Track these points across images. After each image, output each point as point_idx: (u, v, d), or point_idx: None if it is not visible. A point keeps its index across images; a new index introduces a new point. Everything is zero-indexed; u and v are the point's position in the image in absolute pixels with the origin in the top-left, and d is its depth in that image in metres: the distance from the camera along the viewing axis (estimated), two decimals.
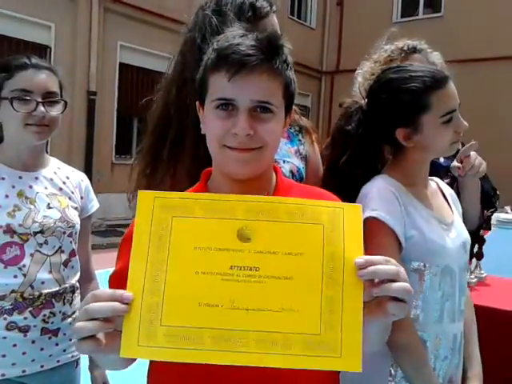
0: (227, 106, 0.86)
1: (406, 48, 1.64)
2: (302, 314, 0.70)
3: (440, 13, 12.57)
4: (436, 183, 1.36)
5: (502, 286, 2.61)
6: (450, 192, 1.38)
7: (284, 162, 1.33)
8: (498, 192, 1.89)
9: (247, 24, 1.02)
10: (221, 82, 0.85)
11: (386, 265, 0.72)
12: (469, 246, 1.30)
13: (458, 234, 1.28)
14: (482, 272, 2.67)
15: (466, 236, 1.30)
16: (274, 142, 0.89)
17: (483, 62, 11.32)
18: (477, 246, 2.61)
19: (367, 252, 1.14)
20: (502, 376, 2.08)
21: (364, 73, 1.67)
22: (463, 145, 1.86)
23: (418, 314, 1.19)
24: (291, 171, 1.32)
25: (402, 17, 13.22)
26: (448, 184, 1.78)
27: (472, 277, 2.58)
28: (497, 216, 4.44)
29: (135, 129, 9.38)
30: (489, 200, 1.78)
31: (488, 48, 11.27)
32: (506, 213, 5.09)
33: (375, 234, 1.12)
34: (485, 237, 2.69)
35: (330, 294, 0.71)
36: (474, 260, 2.60)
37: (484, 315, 2.24)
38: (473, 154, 1.43)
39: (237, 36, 0.87)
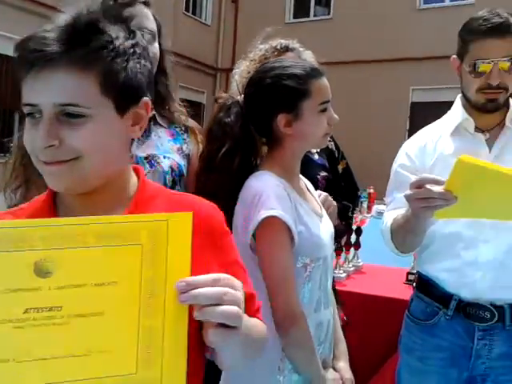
0: (33, 112, 0.73)
1: (279, 47, 1.70)
2: (115, 353, 0.62)
3: (329, 15, 13.19)
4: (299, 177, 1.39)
5: (377, 272, 2.80)
6: (310, 186, 1.41)
7: (165, 157, 1.32)
8: (359, 193, 2.02)
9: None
10: (25, 84, 0.73)
11: (211, 287, 0.64)
12: (333, 235, 1.36)
13: (328, 225, 1.33)
14: (359, 261, 2.84)
15: (331, 226, 1.36)
16: (94, 151, 0.74)
17: (367, 63, 12.07)
18: (354, 236, 2.77)
19: (261, 254, 1.15)
20: (373, 358, 2.23)
21: (241, 72, 1.69)
22: (334, 141, 1.96)
23: (304, 307, 1.21)
24: (171, 167, 1.31)
25: (294, 18, 13.68)
26: (323, 178, 1.86)
27: (350, 265, 2.72)
28: (376, 208, 4.73)
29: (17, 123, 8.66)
30: (345, 214, 1.88)
31: (370, 50, 12.03)
32: (385, 204, 5.42)
33: (275, 233, 1.14)
34: (362, 227, 2.87)
35: (149, 324, 0.63)
36: (352, 249, 2.76)
37: (360, 301, 2.39)
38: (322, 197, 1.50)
39: (44, 28, 0.72)
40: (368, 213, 5.93)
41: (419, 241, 1.44)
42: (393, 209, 1.52)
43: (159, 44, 1.38)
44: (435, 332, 1.49)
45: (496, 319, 1.42)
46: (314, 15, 13.62)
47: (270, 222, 1.13)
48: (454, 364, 1.47)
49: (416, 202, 1.17)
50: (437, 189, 1.13)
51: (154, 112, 1.37)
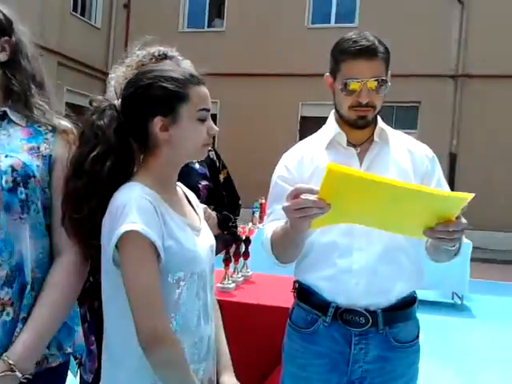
0: None
1: (157, 54, 1.67)
2: None
3: (223, 27, 13.36)
4: (180, 188, 1.35)
5: (265, 281, 2.84)
6: (192, 196, 1.39)
7: (6, 156, 1.21)
8: (240, 202, 2.06)
9: None
10: None
11: None
12: (214, 248, 1.35)
13: (206, 238, 1.30)
14: (248, 270, 2.87)
15: (212, 239, 1.34)
16: None
17: (261, 76, 12.39)
18: (243, 246, 2.80)
19: (122, 270, 1.09)
20: (262, 368, 2.25)
21: (117, 77, 1.64)
22: (215, 150, 1.97)
23: (179, 325, 1.18)
24: (12, 166, 1.21)
25: (188, 27, 13.66)
26: (205, 188, 1.85)
27: (239, 275, 2.74)
28: None
29: None
30: (226, 224, 1.90)
31: (262, 64, 12.37)
32: None
33: (136, 249, 1.10)
34: (250, 237, 2.91)
35: None
36: (241, 259, 2.78)
37: (248, 311, 2.41)
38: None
39: None
40: (260, 222, 6.06)
41: (299, 251, 1.48)
42: (272, 220, 1.55)
43: (8, 37, 1.28)
44: (315, 339, 1.53)
45: (370, 324, 1.49)
46: (208, 26, 13.71)
47: (131, 236, 1.09)
48: (333, 370, 1.52)
49: (293, 212, 1.21)
50: (311, 197, 1.17)
51: (3, 109, 1.27)
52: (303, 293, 1.59)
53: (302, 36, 12.60)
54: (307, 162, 1.57)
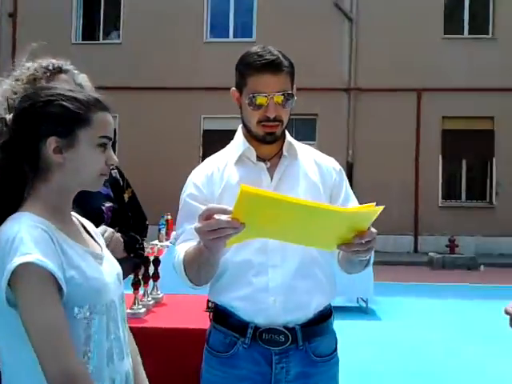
0: None
1: (51, 67, 1.54)
2: None
3: (119, 39, 12.98)
4: (76, 218, 1.26)
5: (178, 303, 2.72)
6: (89, 225, 1.29)
7: None
8: (147, 222, 1.97)
9: None
10: None
11: None
12: (122, 277, 1.26)
13: (112, 266, 1.22)
14: (159, 292, 2.73)
15: (118, 266, 1.25)
16: None
17: (160, 90, 12.18)
18: (152, 267, 2.66)
19: (20, 309, 0.96)
20: None
21: (4, 91, 1.47)
22: (118, 169, 1.86)
23: (91, 362, 1.08)
24: None
25: (83, 39, 13.13)
26: (109, 210, 1.73)
27: (149, 299, 2.60)
28: (175, 234, 4.72)
29: None
30: (133, 246, 1.82)
31: (162, 77, 12.19)
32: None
33: (33, 283, 0.98)
34: (160, 257, 2.78)
35: None
36: (150, 281, 2.64)
37: (162, 336, 2.28)
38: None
39: None
40: (167, 239, 5.90)
41: (214, 271, 1.43)
42: (184, 241, 1.49)
43: None
44: (235, 363, 1.48)
45: (290, 341, 1.47)
46: (104, 38, 13.26)
47: (26, 269, 0.98)
48: None
49: (206, 234, 1.15)
50: (224, 218, 1.12)
51: None
52: (219, 315, 1.54)
53: (201, 50, 12.64)
54: (217, 179, 1.54)
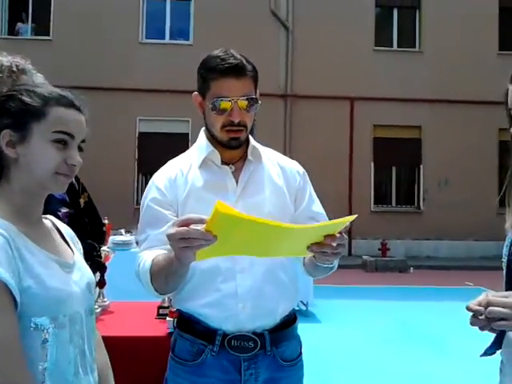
0: None
1: (15, 69, 1.40)
2: None
3: (49, 36, 12.40)
4: (51, 221, 1.21)
5: (126, 310, 2.61)
6: (67, 230, 1.24)
7: None
8: (104, 228, 1.88)
9: None
10: None
11: None
12: (93, 286, 1.19)
13: (82, 275, 1.15)
14: (105, 300, 2.60)
15: (90, 275, 1.19)
16: None
17: (94, 90, 11.74)
18: (98, 274, 2.52)
19: None
20: None
21: None
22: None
23: (48, 376, 1.01)
24: None
25: (8, 34, 12.42)
26: (65, 216, 1.61)
27: (96, 307, 2.46)
28: (112, 239, 4.55)
29: None
30: (91, 254, 1.78)
31: (95, 77, 11.77)
32: (121, 235, 5.31)
33: None
34: (106, 264, 2.64)
35: None
36: (96, 289, 2.50)
37: (111, 345, 2.16)
38: None
39: None
40: (105, 244, 5.67)
41: (181, 282, 1.38)
42: (148, 247, 1.44)
43: None
44: (203, 371, 1.44)
45: (259, 347, 1.44)
46: (32, 33, 12.61)
47: None
48: None
49: (178, 242, 1.11)
50: (198, 228, 1.09)
51: None
52: (185, 322, 1.49)
53: (136, 50, 12.37)
54: (181, 182, 1.49)
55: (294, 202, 1.56)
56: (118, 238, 4.92)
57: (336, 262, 1.46)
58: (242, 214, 1.13)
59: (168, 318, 2.28)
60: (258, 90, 1.50)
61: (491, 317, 1.03)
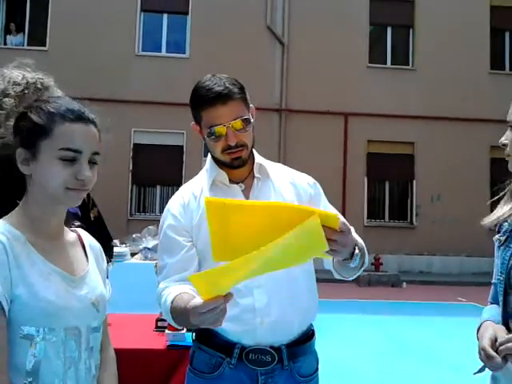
0: None
1: (40, 86, 1.45)
2: None
3: (45, 47, 12.43)
4: (78, 235, 1.24)
5: (124, 322, 2.60)
6: (93, 246, 1.26)
7: None
8: (112, 243, 1.89)
9: None
10: None
11: None
12: (103, 303, 1.19)
13: (90, 291, 1.16)
14: None
15: (100, 293, 1.19)
16: None
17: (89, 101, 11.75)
18: None
19: None
20: None
21: None
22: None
23: None
24: None
25: (4, 44, 12.46)
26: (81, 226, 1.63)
27: None
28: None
29: None
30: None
31: (92, 88, 11.80)
32: (116, 246, 5.31)
33: None
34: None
35: None
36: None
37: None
38: None
39: None
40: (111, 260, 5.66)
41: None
42: (167, 277, 1.48)
43: None
44: (221, 383, 1.46)
45: (276, 361, 1.46)
46: (28, 44, 12.64)
47: None
48: None
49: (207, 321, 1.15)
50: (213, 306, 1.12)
51: None
52: (204, 335, 1.51)
53: (132, 62, 12.43)
54: (193, 206, 1.53)
55: None
56: (117, 249, 4.92)
57: (366, 261, 1.45)
58: (232, 200, 1.19)
59: (167, 331, 2.29)
60: (250, 106, 1.55)
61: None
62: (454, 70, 12.78)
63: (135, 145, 12.18)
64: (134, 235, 5.20)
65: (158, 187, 12.40)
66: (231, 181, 1.55)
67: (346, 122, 12.72)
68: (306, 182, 1.64)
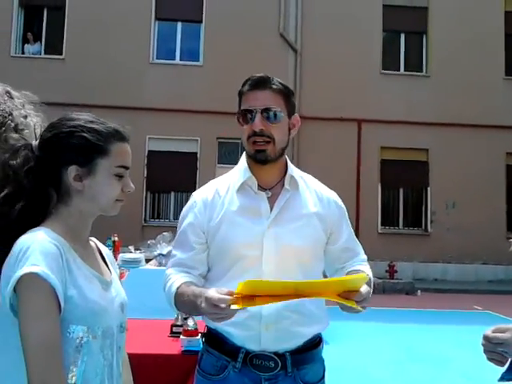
0: None
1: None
2: None
3: (62, 55, 12.62)
4: (94, 243, 1.34)
5: (139, 327, 2.62)
6: (107, 252, 1.36)
7: None
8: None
9: None
10: None
11: None
12: (126, 306, 1.29)
13: (117, 295, 1.26)
14: None
15: (124, 296, 1.30)
16: None
17: (105, 108, 11.94)
18: None
19: (19, 316, 1.03)
20: None
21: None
22: None
23: (76, 382, 1.10)
24: None
25: (22, 53, 12.68)
26: None
27: None
28: (121, 256, 4.63)
29: None
30: None
31: (107, 96, 11.95)
32: (130, 252, 5.35)
33: (35, 293, 1.03)
34: (121, 281, 2.67)
35: None
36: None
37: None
38: None
39: None
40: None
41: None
42: (173, 266, 1.57)
43: None
44: None
45: (279, 368, 1.48)
46: (45, 53, 12.84)
47: (30, 279, 1.04)
48: None
49: (213, 315, 1.27)
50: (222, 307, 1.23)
51: None
52: (212, 338, 1.56)
53: (147, 70, 12.56)
54: (217, 205, 1.56)
55: (330, 235, 1.59)
56: (127, 256, 4.96)
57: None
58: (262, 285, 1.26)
59: (182, 337, 2.31)
60: (294, 115, 1.57)
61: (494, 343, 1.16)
62: (468, 76, 12.69)
63: (150, 152, 12.28)
64: (148, 241, 5.23)
65: (173, 193, 12.48)
66: (260, 186, 1.57)
67: (360, 129, 12.68)
68: (333, 201, 1.64)
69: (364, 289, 1.34)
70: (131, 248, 6.08)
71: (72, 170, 1.17)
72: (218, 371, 1.51)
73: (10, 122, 1.32)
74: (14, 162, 1.16)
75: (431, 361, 5.44)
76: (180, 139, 12.37)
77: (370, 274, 1.57)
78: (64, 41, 12.68)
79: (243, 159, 1.63)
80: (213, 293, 1.24)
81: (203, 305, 1.26)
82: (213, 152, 12.45)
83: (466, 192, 12.45)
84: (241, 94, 1.55)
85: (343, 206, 1.67)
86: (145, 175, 11.99)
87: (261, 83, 1.51)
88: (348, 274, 1.57)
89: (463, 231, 12.23)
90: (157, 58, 12.91)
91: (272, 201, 1.55)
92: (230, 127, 13.09)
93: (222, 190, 1.58)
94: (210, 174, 12.77)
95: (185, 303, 1.44)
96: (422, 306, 8.97)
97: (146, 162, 12.19)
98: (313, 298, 1.32)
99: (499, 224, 12.22)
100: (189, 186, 12.08)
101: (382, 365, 5.19)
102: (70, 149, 1.17)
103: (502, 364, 1.24)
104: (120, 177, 1.20)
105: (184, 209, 1.62)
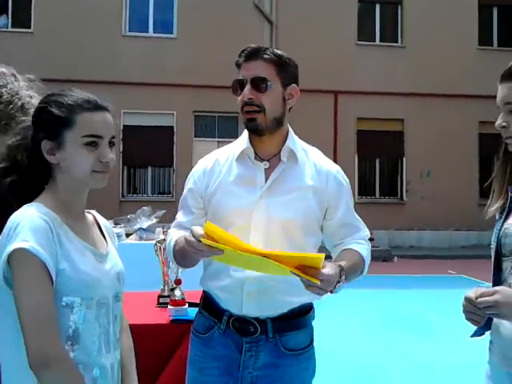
0: None
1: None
2: None
3: (30, 28, 12.23)
4: (93, 216, 1.37)
5: (126, 299, 2.64)
6: (106, 225, 1.39)
7: None
8: None
9: None
10: None
11: None
12: (122, 276, 1.33)
13: (113, 265, 1.30)
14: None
15: (120, 267, 1.33)
16: None
17: (76, 83, 11.64)
18: None
19: (14, 289, 1.08)
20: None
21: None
22: None
23: (74, 350, 1.16)
24: None
25: None
26: None
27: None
28: None
29: None
30: None
31: (78, 70, 11.67)
32: (115, 227, 5.34)
33: (26, 267, 1.08)
34: None
35: None
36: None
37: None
38: None
39: None
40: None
41: (195, 263, 1.55)
42: (177, 227, 1.65)
43: None
44: (212, 344, 1.59)
45: (259, 332, 1.54)
46: (13, 26, 12.41)
47: (21, 254, 1.09)
48: (227, 374, 1.57)
49: (189, 248, 1.34)
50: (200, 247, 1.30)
51: None
52: (205, 300, 1.65)
53: (119, 43, 12.29)
54: (214, 172, 1.60)
55: (327, 210, 1.58)
56: (116, 231, 4.97)
57: (366, 268, 1.58)
58: (226, 235, 1.28)
59: (169, 307, 2.35)
60: (292, 85, 1.58)
61: (482, 307, 1.21)
62: (442, 47, 12.79)
63: (125, 126, 12.11)
64: (128, 216, 5.22)
65: (150, 168, 12.40)
66: (257, 156, 1.58)
67: (336, 100, 12.74)
68: (333, 176, 1.60)
69: (328, 270, 1.30)
70: (111, 223, 6.05)
71: (44, 145, 1.21)
72: (205, 331, 1.60)
73: (17, 100, 1.37)
74: (13, 140, 1.22)
75: (409, 323, 5.66)
76: (155, 113, 12.23)
77: (364, 254, 1.56)
78: (32, 14, 12.27)
79: (246, 130, 1.64)
80: (190, 237, 1.34)
81: (186, 245, 1.35)
82: (189, 126, 12.36)
83: (440, 161, 12.70)
84: (237, 65, 1.57)
85: (345, 181, 1.64)
86: (121, 150, 11.85)
87: (253, 54, 1.53)
88: (342, 252, 1.56)
89: (437, 199, 12.53)
90: (129, 31, 12.63)
91: (269, 172, 1.56)
92: (205, 100, 12.99)
93: (222, 159, 1.62)
94: (187, 147, 12.68)
95: (179, 252, 1.53)
96: (399, 271, 9.24)
97: (121, 136, 12.04)
98: (273, 261, 1.28)
99: (472, 192, 12.54)
100: (166, 160, 12.01)
101: (362, 329, 5.37)
102: (41, 124, 1.21)
103: (478, 324, 1.30)
104: (92, 146, 1.20)
105: (190, 174, 1.68)
